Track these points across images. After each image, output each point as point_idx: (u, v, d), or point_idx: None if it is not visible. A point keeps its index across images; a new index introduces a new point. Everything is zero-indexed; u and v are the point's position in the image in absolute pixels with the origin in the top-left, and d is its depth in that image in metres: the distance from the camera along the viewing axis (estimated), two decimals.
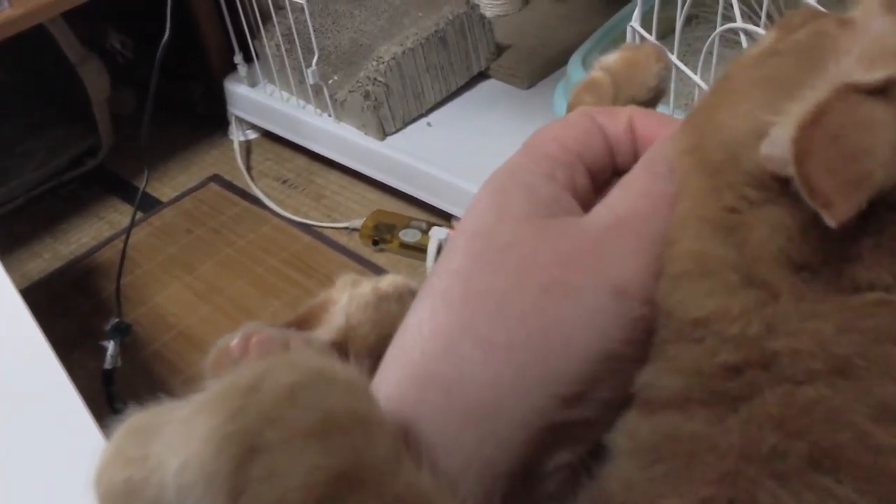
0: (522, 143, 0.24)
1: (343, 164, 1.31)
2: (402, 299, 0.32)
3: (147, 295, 1.20)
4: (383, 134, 1.24)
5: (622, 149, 0.24)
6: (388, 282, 0.33)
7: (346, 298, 0.32)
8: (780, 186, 0.18)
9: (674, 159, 0.21)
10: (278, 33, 1.27)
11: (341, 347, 0.31)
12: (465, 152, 1.20)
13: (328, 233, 1.26)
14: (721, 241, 0.19)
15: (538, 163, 0.23)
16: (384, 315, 0.32)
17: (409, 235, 1.18)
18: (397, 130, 1.26)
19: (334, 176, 1.36)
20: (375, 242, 1.20)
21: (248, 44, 1.32)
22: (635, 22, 0.78)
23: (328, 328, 0.31)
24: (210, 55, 1.41)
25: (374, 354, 0.30)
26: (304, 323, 0.32)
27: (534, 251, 0.21)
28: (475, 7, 1.28)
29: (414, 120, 1.27)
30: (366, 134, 1.25)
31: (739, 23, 0.63)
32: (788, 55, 0.20)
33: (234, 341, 0.28)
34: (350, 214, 1.28)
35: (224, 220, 1.32)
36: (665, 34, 0.80)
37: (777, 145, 0.18)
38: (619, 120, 0.25)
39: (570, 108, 0.34)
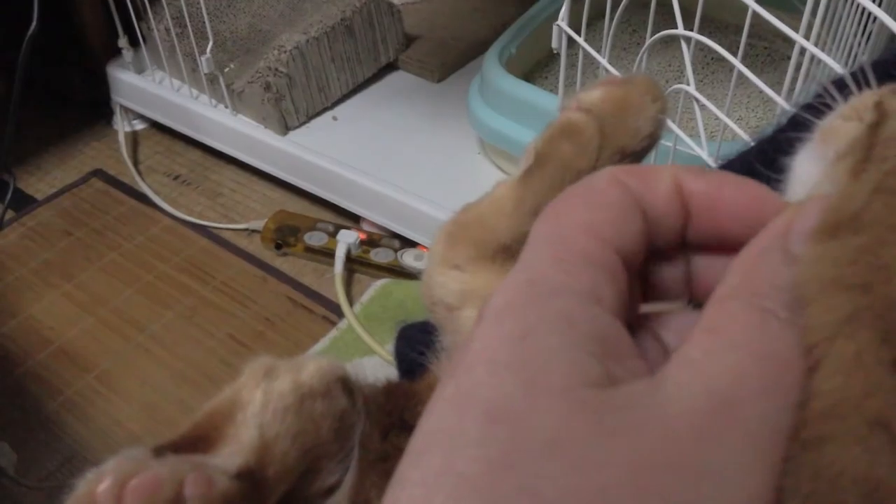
0: (537, 225, 0.17)
1: (241, 160, 1.21)
2: (330, 395, 0.26)
3: (19, 306, 1.07)
4: (285, 128, 1.16)
5: (666, 225, 0.17)
6: (312, 371, 0.26)
7: (259, 401, 0.25)
8: None
9: (806, 292, 0.14)
10: (168, 15, 1.16)
11: (251, 476, 0.23)
12: (373, 149, 1.13)
13: (226, 235, 1.17)
14: None
15: (572, 272, 0.16)
16: (308, 421, 0.25)
17: (315, 238, 1.10)
18: (300, 125, 1.17)
19: (231, 172, 1.26)
20: (278, 246, 1.12)
21: (133, 26, 1.20)
22: (562, 21, 0.73)
23: (236, 448, 0.24)
24: (89, 38, 1.27)
25: (292, 477, 0.24)
26: (203, 440, 0.24)
27: (590, 464, 0.13)
28: None
29: (318, 114, 1.19)
30: (266, 128, 1.16)
31: (681, 29, 0.58)
32: None
33: (103, 486, 0.21)
34: (250, 215, 1.19)
35: (108, 220, 1.20)
36: (599, 33, 0.75)
37: None
38: (660, 183, 0.18)
39: (540, 159, 0.28)
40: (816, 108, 0.21)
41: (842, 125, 0.19)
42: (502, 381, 0.14)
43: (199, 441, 0.24)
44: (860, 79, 0.20)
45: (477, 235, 0.29)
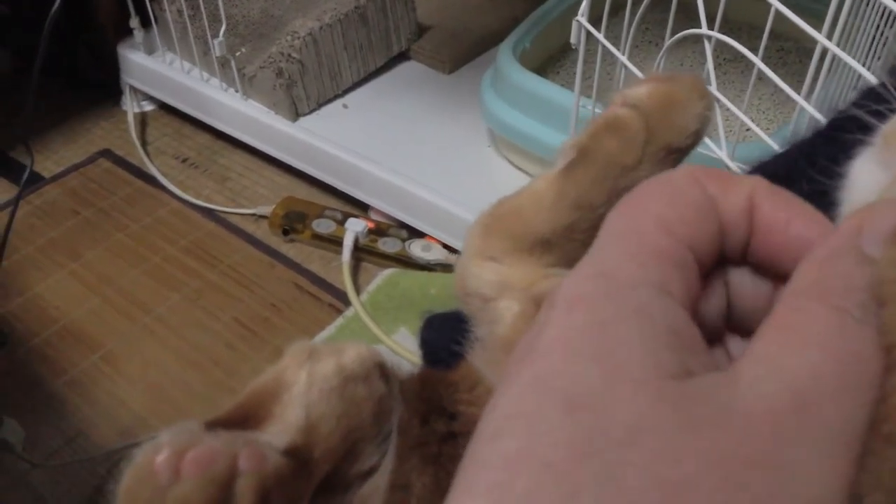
0: (609, 219, 0.17)
1: (250, 145, 1.21)
2: (370, 379, 0.26)
3: (25, 284, 1.07)
4: (296, 114, 1.15)
5: (735, 235, 0.18)
6: (353, 356, 0.26)
7: (304, 382, 0.25)
8: None
9: (884, 292, 0.14)
10: None
11: (300, 453, 0.24)
12: (383, 138, 1.13)
13: (233, 219, 1.17)
14: None
15: (646, 265, 0.16)
16: (350, 404, 0.25)
17: (323, 226, 1.10)
18: (311, 111, 1.17)
19: (239, 157, 1.26)
20: (286, 232, 1.12)
21: (145, 7, 1.20)
22: (582, 16, 0.73)
23: (283, 426, 0.24)
24: (101, 16, 1.27)
25: (335, 458, 0.24)
26: (251, 418, 0.24)
27: (675, 454, 0.13)
28: None
29: (329, 101, 1.19)
30: (276, 113, 1.16)
31: (705, 29, 0.59)
32: None
33: (161, 457, 0.21)
34: (257, 200, 1.19)
35: (115, 201, 1.20)
36: (614, 30, 0.75)
37: None
38: (736, 194, 0.18)
39: (584, 152, 0.28)
40: (870, 107, 0.21)
41: None
42: (582, 369, 0.14)
43: (246, 419, 0.24)
44: None
45: (515, 228, 0.29)
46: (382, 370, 0.27)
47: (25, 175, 0.87)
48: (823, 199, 0.21)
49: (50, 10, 1.18)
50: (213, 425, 0.23)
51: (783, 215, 0.17)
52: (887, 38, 0.84)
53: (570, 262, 0.29)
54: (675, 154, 0.26)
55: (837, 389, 0.14)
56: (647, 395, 0.14)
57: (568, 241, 0.28)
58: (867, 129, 0.20)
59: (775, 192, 0.18)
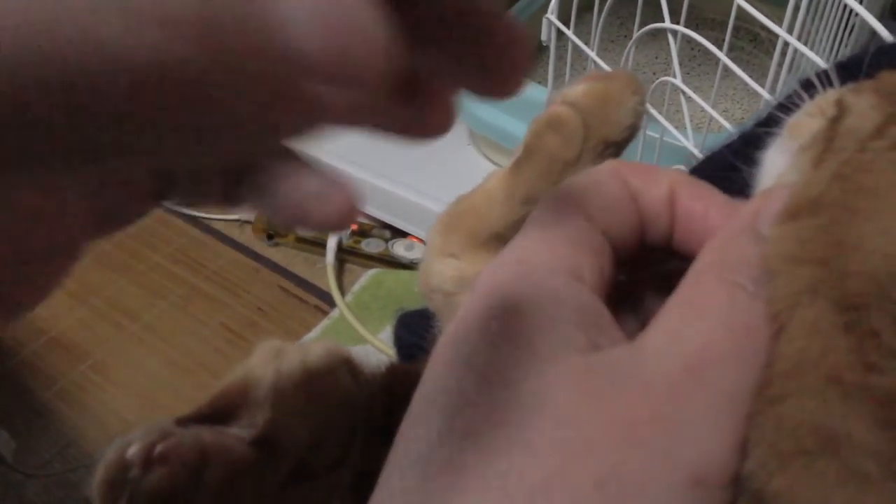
0: (534, 210, 0.18)
1: None
2: (335, 374, 0.27)
3: None
4: None
5: (657, 225, 0.19)
6: (318, 352, 0.27)
7: (270, 379, 0.26)
8: None
9: (772, 266, 0.16)
10: None
11: (265, 444, 0.25)
12: (361, 138, 1.13)
13: (217, 225, 1.18)
14: (859, 417, 0.14)
15: (560, 252, 0.17)
16: (316, 398, 0.26)
17: None
18: None
19: None
20: (270, 236, 1.13)
21: None
22: (552, 14, 0.74)
23: (250, 420, 0.25)
24: None
25: (301, 449, 0.25)
26: (220, 413, 0.26)
27: (577, 419, 0.15)
28: None
29: None
30: None
31: (668, 23, 0.60)
32: None
33: (133, 450, 0.22)
34: None
35: None
36: (586, 26, 0.76)
37: None
38: (657, 187, 0.19)
39: (529, 150, 0.29)
40: (788, 106, 0.22)
41: (807, 121, 0.20)
42: (496, 348, 0.16)
43: (216, 414, 0.26)
44: (824, 80, 0.22)
45: (471, 224, 0.30)
46: (350, 365, 0.28)
47: None
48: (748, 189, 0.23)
49: None
50: (185, 421, 0.25)
51: (701, 205, 0.19)
52: (853, 26, 0.86)
53: None
54: (613, 147, 0.28)
55: (728, 356, 0.15)
56: (554, 369, 0.15)
57: None
58: (780, 126, 0.22)
59: (694, 184, 0.19)
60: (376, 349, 0.97)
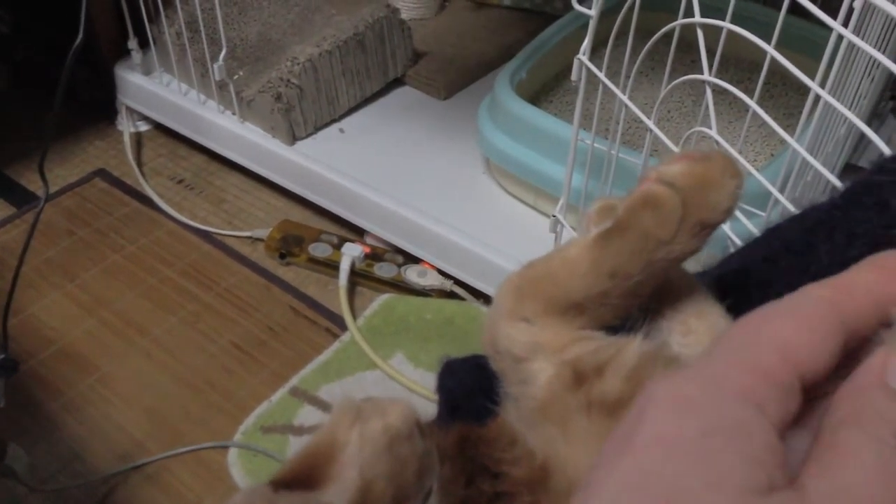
0: (737, 327, 0.18)
1: (245, 167, 1.22)
2: (413, 437, 0.27)
3: (21, 304, 1.07)
4: (293, 138, 1.17)
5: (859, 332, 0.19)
6: (397, 416, 0.27)
7: (356, 442, 0.26)
8: None
9: None
10: (181, 20, 1.17)
11: None
12: (379, 162, 1.15)
13: (229, 241, 1.17)
14: None
15: (755, 383, 0.17)
16: (398, 463, 0.27)
17: (320, 250, 1.12)
18: (308, 135, 1.18)
19: (235, 179, 1.27)
20: (282, 256, 1.13)
21: (144, 28, 1.21)
22: (584, 55, 0.75)
23: (342, 487, 0.25)
24: (99, 37, 1.28)
25: None
26: (309, 479, 0.26)
27: None
28: (396, 11, 1.22)
29: (326, 125, 1.21)
30: (273, 137, 1.17)
31: (706, 75, 0.61)
32: None
33: None
34: (253, 222, 1.20)
35: (111, 221, 1.20)
36: (612, 64, 0.77)
37: None
38: (863, 304, 0.19)
39: (621, 225, 0.29)
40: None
41: None
42: (683, 471, 0.16)
43: (305, 480, 0.26)
44: None
45: (548, 291, 0.31)
46: (420, 427, 0.29)
47: (42, 204, 0.86)
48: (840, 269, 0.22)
49: (48, 24, 1.18)
50: (278, 485, 0.25)
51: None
52: (873, 77, 0.87)
53: (600, 324, 0.31)
54: (708, 229, 0.28)
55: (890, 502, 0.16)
56: None
57: (600, 306, 0.30)
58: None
59: None
60: (386, 375, 0.97)
